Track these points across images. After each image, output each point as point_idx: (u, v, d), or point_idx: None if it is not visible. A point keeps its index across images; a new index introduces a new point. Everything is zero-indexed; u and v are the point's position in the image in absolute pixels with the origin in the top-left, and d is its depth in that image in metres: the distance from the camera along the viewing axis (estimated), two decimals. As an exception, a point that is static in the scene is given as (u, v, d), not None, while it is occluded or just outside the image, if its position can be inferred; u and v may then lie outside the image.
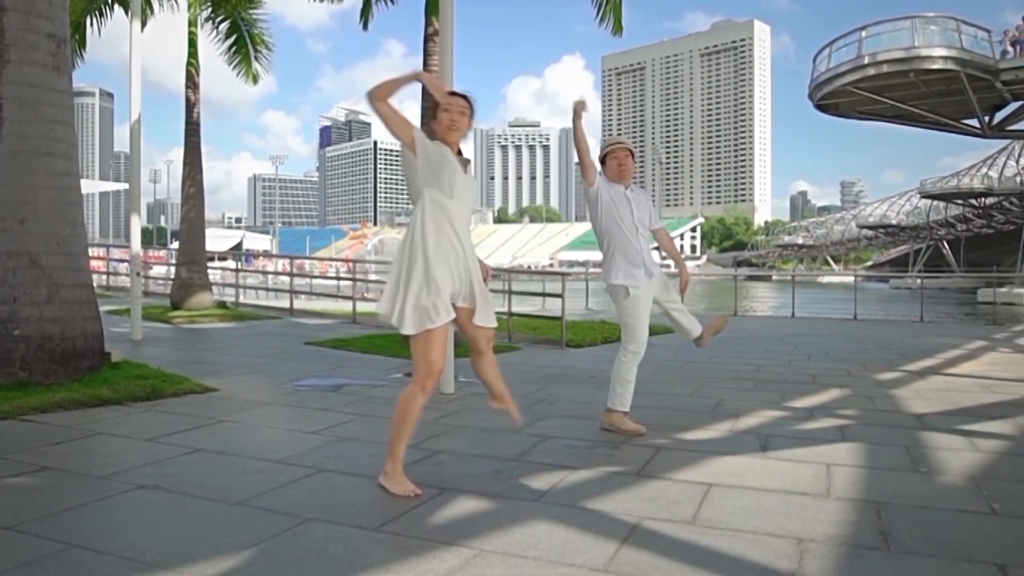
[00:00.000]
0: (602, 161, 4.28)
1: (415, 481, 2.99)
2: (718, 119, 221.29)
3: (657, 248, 4.79)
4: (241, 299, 15.06)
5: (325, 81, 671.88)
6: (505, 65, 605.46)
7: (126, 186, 13.67)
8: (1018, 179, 49.20)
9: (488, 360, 3.15)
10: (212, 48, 13.24)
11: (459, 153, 3.01)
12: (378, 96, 2.81)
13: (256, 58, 13.55)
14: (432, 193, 2.86)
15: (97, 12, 12.12)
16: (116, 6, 12.21)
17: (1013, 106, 24.01)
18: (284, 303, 13.81)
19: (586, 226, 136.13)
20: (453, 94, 2.99)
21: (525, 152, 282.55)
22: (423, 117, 8.45)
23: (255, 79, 13.75)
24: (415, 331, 2.82)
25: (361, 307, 12.23)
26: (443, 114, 2.93)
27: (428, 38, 8.62)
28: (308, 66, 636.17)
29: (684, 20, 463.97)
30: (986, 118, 24.37)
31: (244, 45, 13.35)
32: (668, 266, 6.54)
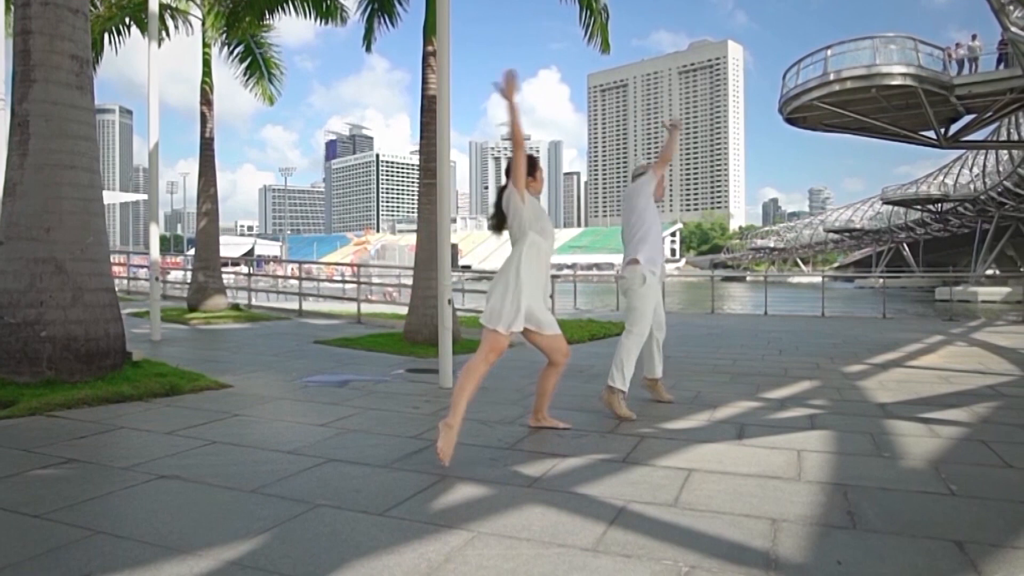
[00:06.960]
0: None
1: (415, 472, 2.99)
2: (695, 131, 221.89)
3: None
4: (253, 301, 15.02)
5: (316, 97, 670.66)
6: (484, 80, 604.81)
7: (145, 197, 13.61)
8: (972, 186, 49.49)
9: (555, 375, 3.78)
10: (217, 66, 13.18)
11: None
12: (519, 142, 3.38)
13: (271, 80, 13.47)
14: (534, 236, 3.44)
15: (115, 31, 12.05)
16: (133, 27, 12.14)
17: (967, 119, 24.18)
18: (293, 305, 13.77)
19: (574, 232, 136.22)
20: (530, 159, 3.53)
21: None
22: (423, 117, 8.43)
23: (272, 100, 13.63)
24: (505, 331, 3.33)
25: (365, 308, 12.22)
26: (540, 174, 3.57)
27: (426, 56, 8.59)
28: (298, 82, 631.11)
29: (650, 39, 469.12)
30: (942, 130, 24.52)
31: (258, 67, 13.26)
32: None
